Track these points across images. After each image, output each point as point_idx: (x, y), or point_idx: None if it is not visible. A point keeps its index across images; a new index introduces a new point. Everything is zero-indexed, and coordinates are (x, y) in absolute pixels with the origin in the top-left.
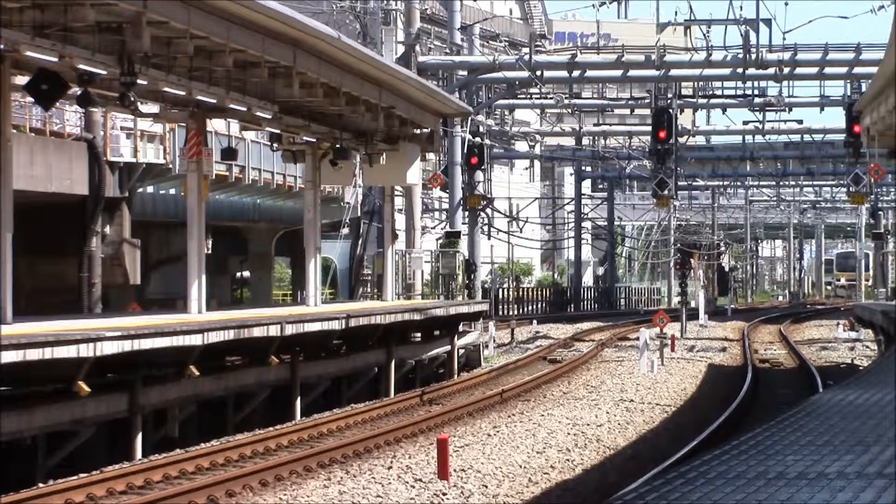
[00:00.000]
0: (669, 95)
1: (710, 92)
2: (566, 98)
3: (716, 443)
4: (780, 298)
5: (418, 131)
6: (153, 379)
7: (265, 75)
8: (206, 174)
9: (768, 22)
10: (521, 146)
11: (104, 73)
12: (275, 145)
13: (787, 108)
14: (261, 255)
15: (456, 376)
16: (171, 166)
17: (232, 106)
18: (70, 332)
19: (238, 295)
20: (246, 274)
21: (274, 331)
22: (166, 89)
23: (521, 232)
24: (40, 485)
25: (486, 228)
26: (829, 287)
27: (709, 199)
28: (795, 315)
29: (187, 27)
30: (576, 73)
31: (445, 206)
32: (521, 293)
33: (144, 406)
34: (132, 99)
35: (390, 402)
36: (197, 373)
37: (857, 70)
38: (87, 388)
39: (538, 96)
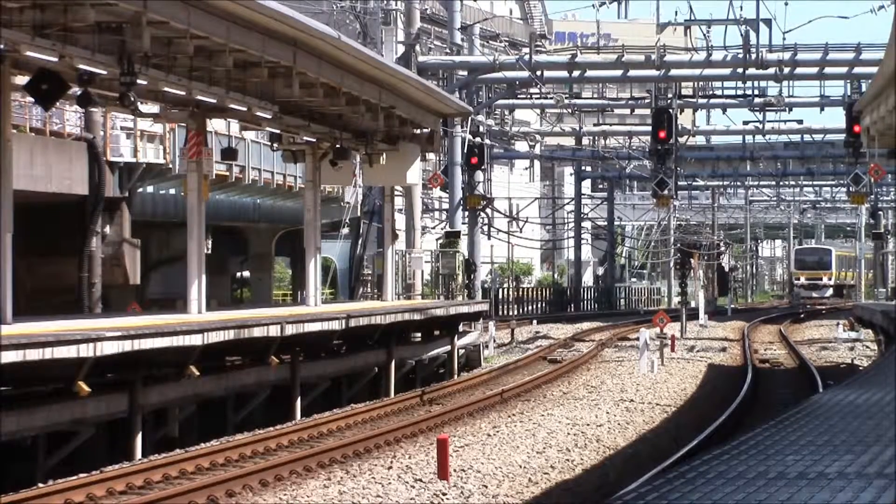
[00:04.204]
0: (669, 95)
1: (710, 92)
2: (566, 98)
3: (716, 443)
4: (784, 299)
5: (418, 131)
6: (153, 379)
7: (265, 75)
8: (206, 174)
9: (768, 22)
10: (521, 146)
11: (104, 73)
12: (275, 145)
13: (787, 108)
14: (261, 255)
15: (456, 376)
16: (171, 166)
17: (232, 106)
18: (70, 332)
19: (238, 295)
20: (246, 274)
21: (274, 331)
22: (166, 89)
23: (521, 232)
24: (40, 485)
25: (486, 228)
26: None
27: (709, 199)
28: (795, 315)
29: (187, 27)
30: (576, 73)
31: (445, 206)
32: (521, 293)
33: (144, 406)
34: (132, 99)
35: (390, 402)
36: (197, 373)
37: (857, 70)
38: (87, 388)
39: (538, 96)
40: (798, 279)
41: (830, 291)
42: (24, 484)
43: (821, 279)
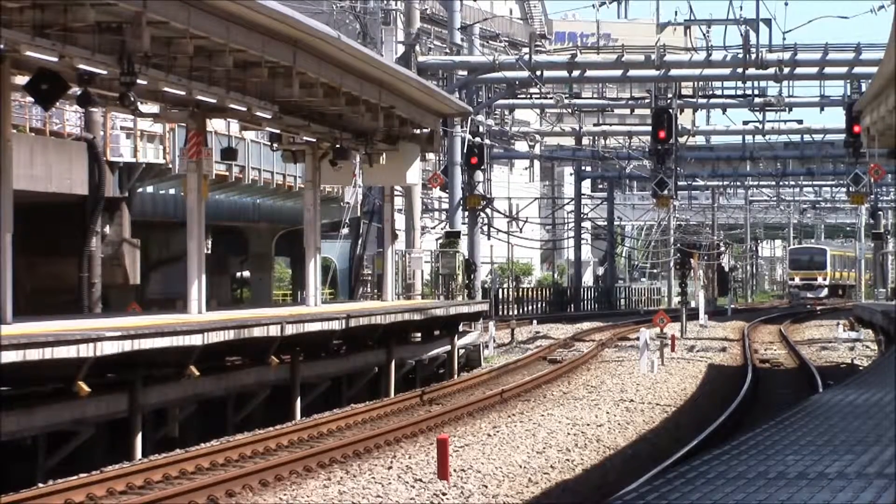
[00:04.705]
0: (669, 95)
1: (710, 92)
2: (566, 98)
3: (716, 443)
4: (784, 299)
5: (418, 131)
6: (153, 379)
7: (265, 75)
8: (206, 174)
9: (768, 22)
10: (521, 146)
11: (104, 73)
12: (275, 145)
13: (787, 108)
14: (261, 255)
15: (456, 376)
16: (171, 166)
17: (232, 106)
18: (70, 332)
19: (238, 295)
20: (246, 274)
21: (274, 331)
22: (166, 89)
23: (520, 232)
24: (40, 485)
25: (485, 228)
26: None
27: (709, 199)
28: (795, 315)
29: (187, 27)
30: (576, 73)
31: (445, 206)
32: (521, 293)
33: (144, 406)
34: (132, 99)
35: (390, 402)
36: (197, 373)
37: (857, 70)
38: (87, 388)
39: (538, 96)
40: (792, 279)
41: (825, 291)
42: (24, 484)
43: (815, 279)
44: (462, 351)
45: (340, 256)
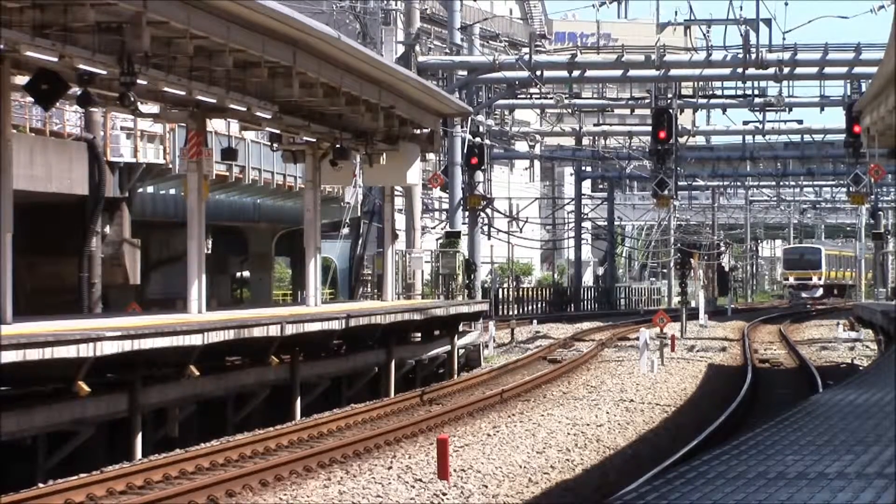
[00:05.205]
0: (669, 95)
1: (710, 92)
2: (566, 98)
3: (716, 443)
4: (784, 299)
5: (418, 131)
6: (153, 379)
7: (265, 75)
8: (206, 174)
9: (768, 22)
10: (521, 146)
11: (104, 73)
12: (275, 145)
13: (787, 108)
14: (261, 255)
15: (456, 376)
16: (171, 166)
17: (232, 106)
18: (70, 332)
19: (238, 295)
20: (246, 274)
21: (274, 331)
22: (166, 89)
23: (521, 232)
24: (40, 485)
25: (486, 228)
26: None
27: (709, 199)
28: (795, 315)
29: (187, 27)
30: (576, 73)
31: (445, 206)
32: (521, 293)
33: (144, 406)
34: (132, 99)
35: (390, 402)
36: (197, 373)
37: (857, 70)
38: (87, 388)
39: (538, 96)
40: (787, 279)
41: (820, 291)
42: (24, 484)
43: (810, 279)
44: (462, 351)
45: (340, 256)
